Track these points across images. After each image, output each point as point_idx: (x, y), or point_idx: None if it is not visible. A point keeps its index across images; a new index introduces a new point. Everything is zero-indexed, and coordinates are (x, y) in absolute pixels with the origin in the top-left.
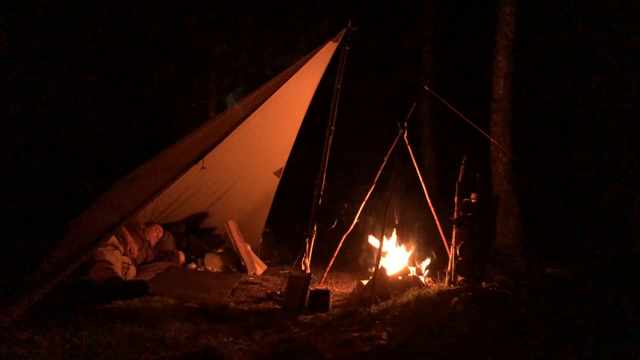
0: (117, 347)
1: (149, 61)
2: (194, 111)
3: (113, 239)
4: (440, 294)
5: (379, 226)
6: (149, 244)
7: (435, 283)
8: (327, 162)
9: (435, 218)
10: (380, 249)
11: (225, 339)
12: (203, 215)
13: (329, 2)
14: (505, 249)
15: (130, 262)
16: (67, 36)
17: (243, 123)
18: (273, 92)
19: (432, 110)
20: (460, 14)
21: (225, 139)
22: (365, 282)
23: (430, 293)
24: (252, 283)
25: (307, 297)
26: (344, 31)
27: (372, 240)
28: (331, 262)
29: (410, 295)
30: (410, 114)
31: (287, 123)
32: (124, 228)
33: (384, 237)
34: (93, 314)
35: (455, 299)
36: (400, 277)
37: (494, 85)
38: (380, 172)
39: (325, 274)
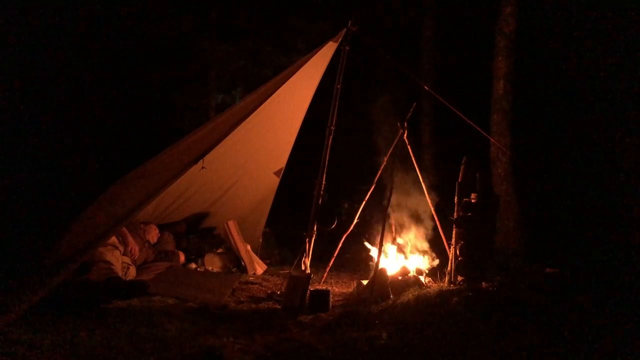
0: (117, 347)
1: (149, 61)
2: (194, 111)
3: (113, 239)
4: (441, 294)
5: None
6: (149, 244)
7: (435, 283)
8: (327, 162)
9: (435, 218)
10: (380, 249)
11: (225, 339)
12: (203, 215)
13: (329, 2)
14: (505, 249)
15: (130, 262)
16: (67, 36)
17: (243, 123)
18: (273, 92)
19: (432, 110)
20: (460, 14)
21: (225, 139)
22: (365, 282)
23: (430, 293)
24: (252, 283)
25: (307, 297)
26: (344, 31)
27: (369, 246)
28: (331, 262)
29: (410, 295)
30: (410, 113)
31: (287, 123)
32: (124, 229)
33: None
34: (93, 314)
35: (456, 299)
36: (400, 277)
37: (494, 85)
38: (380, 172)
39: (325, 274)
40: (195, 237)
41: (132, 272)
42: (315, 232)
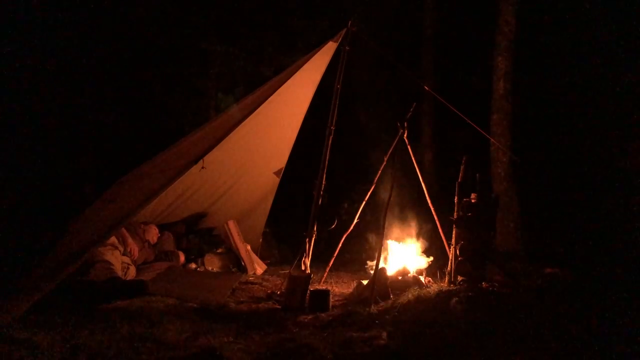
0: (117, 347)
1: (150, 61)
2: (194, 111)
3: (113, 239)
4: (440, 294)
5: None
6: (149, 244)
7: (435, 283)
8: (327, 162)
9: (435, 218)
10: (380, 249)
11: (225, 339)
12: (203, 215)
13: (329, 2)
14: (505, 249)
15: (130, 262)
16: (67, 36)
17: (243, 123)
18: (273, 92)
19: (433, 110)
20: (460, 14)
21: (226, 139)
22: (365, 282)
23: (430, 293)
24: (252, 283)
25: (307, 297)
26: (344, 31)
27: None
28: (331, 262)
29: (410, 295)
30: (410, 113)
31: (287, 123)
32: (124, 230)
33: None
34: (93, 314)
35: (455, 299)
36: (400, 277)
37: (493, 85)
38: (380, 172)
39: (325, 274)
40: (195, 237)
41: (132, 272)
42: (315, 232)
